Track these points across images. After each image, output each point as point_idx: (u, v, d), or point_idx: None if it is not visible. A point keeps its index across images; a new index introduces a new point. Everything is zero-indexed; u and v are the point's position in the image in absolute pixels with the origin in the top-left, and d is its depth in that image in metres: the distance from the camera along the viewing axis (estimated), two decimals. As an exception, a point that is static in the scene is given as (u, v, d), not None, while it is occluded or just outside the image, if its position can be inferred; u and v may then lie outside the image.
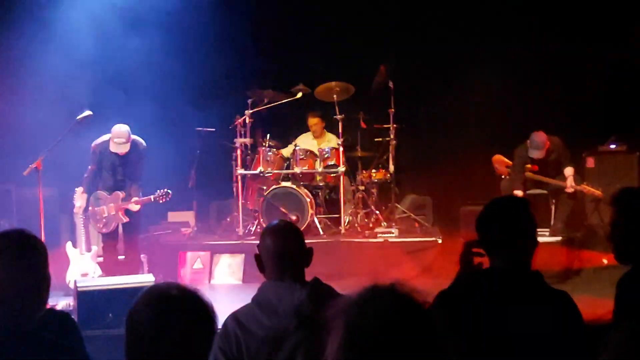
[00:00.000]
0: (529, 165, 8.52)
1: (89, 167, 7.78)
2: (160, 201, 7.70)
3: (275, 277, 3.12)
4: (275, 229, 3.24)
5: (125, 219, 7.65)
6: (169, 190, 7.69)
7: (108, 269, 7.63)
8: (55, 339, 2.82)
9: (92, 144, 7.75)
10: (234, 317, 3.07)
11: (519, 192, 8.24)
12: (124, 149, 7.55)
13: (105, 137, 7.68)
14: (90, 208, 7.71)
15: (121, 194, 7.67)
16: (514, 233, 2.93)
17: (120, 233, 7.85)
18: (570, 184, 8.30)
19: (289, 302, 3.00)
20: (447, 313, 2.74)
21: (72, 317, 3.07)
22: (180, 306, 2.11)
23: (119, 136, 7.50)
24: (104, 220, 7.67)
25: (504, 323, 2.81)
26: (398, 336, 1.67)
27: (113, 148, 7.55)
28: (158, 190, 7.67)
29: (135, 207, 7.65)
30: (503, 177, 8.85)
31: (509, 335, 2.79)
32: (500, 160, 8.99)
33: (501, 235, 2.94)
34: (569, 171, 8.39)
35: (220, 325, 2.27)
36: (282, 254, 3.13)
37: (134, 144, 7.64)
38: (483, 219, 3.00)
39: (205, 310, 2.14)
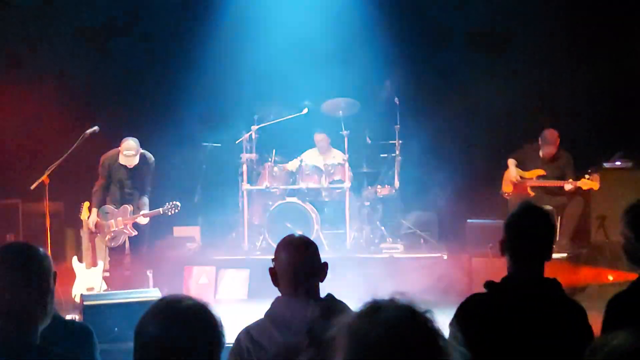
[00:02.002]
0: (538, 170, 8.60)
1: (97, 181, 7.81)
2: (169, 213, 7.73)
3: (289, 292, 3.11)
4: (291, 243, 3.21)
5: (134, 233, 7.68)
6: (177, 203, 7.72)
7: (114, 283, 7.65)
8: (63, 352, 2.81)
9: (101, 157, 7.80)
10: (247, 331, 3.06)
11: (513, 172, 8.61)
12: (133, 162, 7.59)
13: (114, 151, 7.73)
14: (98, 222, 7.74)
15: (129, 208, 7.71)
16: (544, 244, 3.08)
17: (127, 247, 7.88)
18: (569, 181, 8.35)
19: (302, 319, 2.99)
20: (470, 322, 2.86)
21: (89, 330, 3.06)
22: (188, 318, 2.12)
23: (128, 148, 7.55)
24: (112, 234, 7.70)
25: (521, 331, 2.89)
26: (402, 346, 1.69)
27: (122, 160, 7.59)
28: (167, 203, 7.71)
29: (144, 221, 7.68)
30: (507, 194, 8.83)
31: (525, 344, 2.88)
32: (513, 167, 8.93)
33: (532, 245, 3.06)
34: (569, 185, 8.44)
35: (228, 339, 2.29)
36: (296, 268, 3.11)
37: (142, 157, 7.68)
38: (517, 225, 3.12)
39: (213, 324, 2.15)
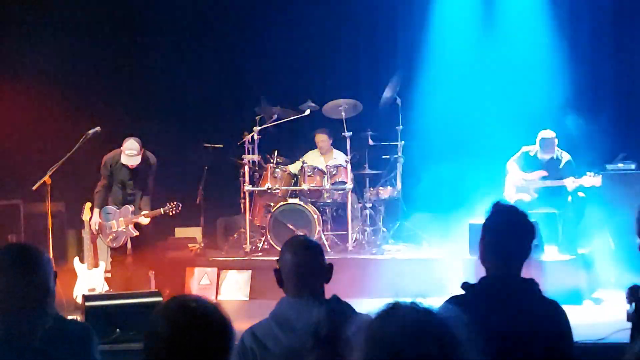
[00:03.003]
0: (539, 172, 8.59)
1: (99, 182, 7.81)
2: (170, 214, 7.73)
3: (294, 293, 3.10)
4: (295, 244, 3.21)
5: (135, 233, 7.68)
6: (179, 203, 7.72)
7: (116, 284, 7.65)
8: (65, 353, 2.80)
9: (103, 158, 7.80)
10: (251, 332, 3.06)
11: (516, 175, 8.60)
12: (135, 161, 7.57)
13: (115, 151, 7.72)
14: (99, 223, 7.74)
15: (131, 208, 7.72)
16: (521, 243, 3.06)
17: (129, 248, 7.87)
18: (571, 179, 8.33)
19: (307, 320, 2.98)
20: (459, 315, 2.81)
21: (89, 330, 3.05)
22: (198, 319, 2.12)
23: (130, 148, 7.54)
24: (114, 234, 7.71)
25: (499, 329, 2.83)
26: (419, 350, 1.67)
27: (124, 160, 7.58)
28: (168, 203, 7.71)
29: (145, 221, 7.68)
30: (510, 198, 8.80)
31: (505, 341, 2.84)
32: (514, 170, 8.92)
33: (508, 245, 3.05)
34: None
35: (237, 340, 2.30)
36: (301, 269, 3.10)
37: (144, 158, 7.68)
38: (491, 224, 3.11)
39: (223, 324, 2.15)
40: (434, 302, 1.80)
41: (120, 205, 7.78)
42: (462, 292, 3.07)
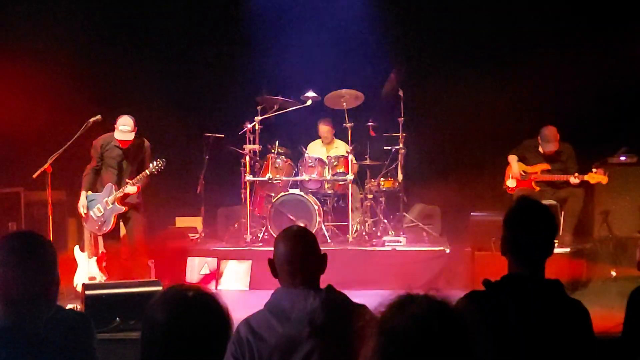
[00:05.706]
0: (542, 165, 8.57)
1: (88, 165, 7.68)
2: (157, 172, 7.43)
3: (288, 283, 3.10)
4: (288, 234, 3.21)
5: (123, 208, 7.47)
6: (163, 159, 7.43)
7: (114, 273, 7.60)
8: (64, 342, 2.80)
9: (94, 141, 7.66)
10: (247, 323, 3.05)
11: (515, 168, 8.61)
12: (128, 137, 7.44)
13: (107, 134, 7.60)
14: (87, 213, 7.59)
15: (113, 186, 7.52)
16: (545, 241, 2.99)
17: (122, 236, 7.79)
18: (575, 175, 8.31)
19: (302, 309, 2.97)
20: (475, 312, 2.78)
21: (88, 320, 3.05)
22: (196, 307, 2.13)
23: (124, 124, 7.42)
24: (102, 218, 7.53)
25: (522, 329, 2.84)
26: (431, 341, 1.67)
27: (118, 136, 7.44)
28: (151, 163, 7.45)
29: (132, 189, 7.44)
30: (510, 190, 8.78)
31: (526, 342, 2.83)
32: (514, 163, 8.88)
33: (533, 243, 2.98)
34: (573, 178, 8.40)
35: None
36: (294, 259, 3.09)
37: (138, 140, 7.58)
38: (516, 221, 3.06)
39: (220, 314, 2.15)
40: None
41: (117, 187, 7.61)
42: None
